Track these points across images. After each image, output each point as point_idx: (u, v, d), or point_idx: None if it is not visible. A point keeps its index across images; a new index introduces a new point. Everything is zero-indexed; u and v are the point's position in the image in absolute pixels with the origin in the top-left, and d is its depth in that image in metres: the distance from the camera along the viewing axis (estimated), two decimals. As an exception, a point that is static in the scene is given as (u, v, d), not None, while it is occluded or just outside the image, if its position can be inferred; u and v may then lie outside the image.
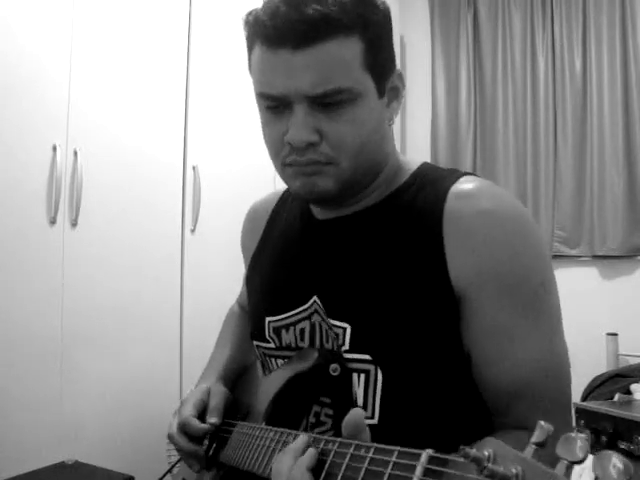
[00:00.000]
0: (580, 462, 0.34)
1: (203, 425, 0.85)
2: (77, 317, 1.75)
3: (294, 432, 0.66)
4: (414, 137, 3.38)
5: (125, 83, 1.90)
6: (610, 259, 2.92)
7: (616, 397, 2.37)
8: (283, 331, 0.84)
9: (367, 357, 0.72)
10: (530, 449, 0.37)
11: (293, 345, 0.82)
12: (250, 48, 0.75)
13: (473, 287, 0.69)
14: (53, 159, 1.69)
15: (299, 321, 0.81)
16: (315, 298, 0.79)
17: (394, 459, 0.47)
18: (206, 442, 0.89)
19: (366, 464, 0.50)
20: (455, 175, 0.76)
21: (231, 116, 2.20)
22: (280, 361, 0.85)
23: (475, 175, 0.77)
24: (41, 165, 1.68)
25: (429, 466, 0.43)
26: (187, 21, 2.09)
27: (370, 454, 0.50)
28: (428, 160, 3.15)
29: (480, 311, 0.69)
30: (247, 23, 0.74)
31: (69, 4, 1.75)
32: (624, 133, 2.87)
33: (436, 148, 3.30)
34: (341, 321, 0.75)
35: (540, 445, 0.37)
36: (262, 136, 0.77)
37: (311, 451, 0.57)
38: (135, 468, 1.66)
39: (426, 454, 0.44)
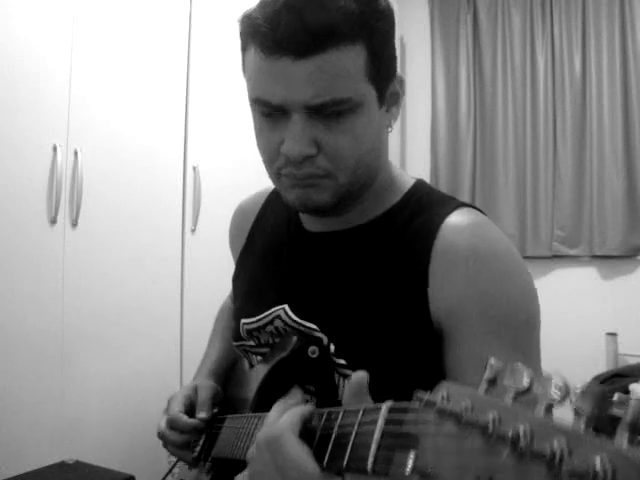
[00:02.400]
0: (527, 391, 0.36)
1: (192, 420, 0.86)
2: (77, 317, 1.75)
3: None
4: (414, 137, 3.39)
5: (125, 83, 1.90)
6: (609, 259, 2.92)
7: (615, 397, 2.37)
8: (255, 333, 0.85)
9: (343, 362, 0.73)
10: (482, 386, 0.39)
11: (271, 342, 0.83)
12: (244, 47, 0.72)
13: (455, 321, 0.68)
14: (53, 159, 1.69)
15: (265, 325, 0.82)
16: (285, 307, 0.79)
17: (359, 418, 0.49)
18: (200, 442, 0.90)
19: (336, 428, 0.52)
20: (451, 205, 0.74)
21: (231, 116, 2.20)
22: (260, 357, 0.86)
23: (471, 207, 0.75)
24: (41, 165, 1.68)
25: (390, 416, 0.45)
26: (187, 22, 2.09)
27: (339, 419, 0.52)
28: (428, 161, 3.16)
29: (461, 345, 0.68)
30: (242, 23, 0.70)
31: (70, 4, 1.75)
32: (623, 133, 2.87)
33: (436, 149, 3.30)
34: (315, 324, 0.75)
35: (491, 382, 0.39)
36: (256, 141, 0.75)
37: (309, 406, 0.57)
38: (135, 468, 1.66)
39: (386, 406, 0.46)
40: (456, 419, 0.35)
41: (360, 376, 0.55)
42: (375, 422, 0.46)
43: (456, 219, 0.71)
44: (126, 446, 1.85)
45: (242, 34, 0.71)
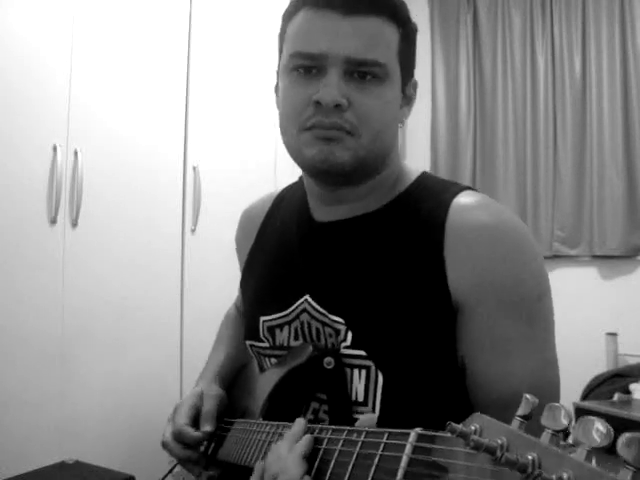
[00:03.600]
0: (564, 430, 0.35)
1: (197, 434, 0.86)
2: (77, 317, 1.75)
3: (291, 424, 0.66)
4: (414, 136, 3.38)
5: (126, 83, 1.90)
6: (610, 259, 2.92)
7: (615, 397, 2.37)
8: (277, 330, 0.84)
9: (363, 353, 0.73)
10: (516, 422, 0.38)
11: (286, 344, 0.83)
12: (287, 21, 0.77)
13: (471, 298, 0.70)
14: (53, 159, 1.69)
15: (292, 320, 0.82)
16: (307, 297, 0.80)
17: (384, 440, 0.48)
18: (205, 443, 0.89)
19: (358, 448, 0.51)
20: (457, 188, 0.77)
21: (231, 116, 2.20)
22: (274, 360, 0.85)
23: (475, 190, 0.78)
24: (41, 165, 1.68)
25: (418, 444, 0.44)
26: (187, 22, 2.09)
27: (362, 438, 0.52)
28: (428, 161, 3.17)
29: (477, 322, 0.70)
30: None
31: (70, 4, 1.75)
32: (623, 133, 2.87)
33: (436, 148, 3.31)
34: (339, 316, 0.76)
35: (525, 418, 0.38)
36: (282, 103, 0.77)
37: (307, 437, 0.58)
38: (135, 468, 1.66)
39: (415, 433, 0.45)
40: (491, 454, 0.34)
41: (369, 418, 0.56)
42: (402, 448, 0.45)
43: (464, 199, 0.74)
44: (126, 446, 1.85)
45: (291, 6, 0.77)
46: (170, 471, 1.03)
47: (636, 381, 2.43)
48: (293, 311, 0.82)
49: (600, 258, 2.94)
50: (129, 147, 1.91)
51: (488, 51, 3.21)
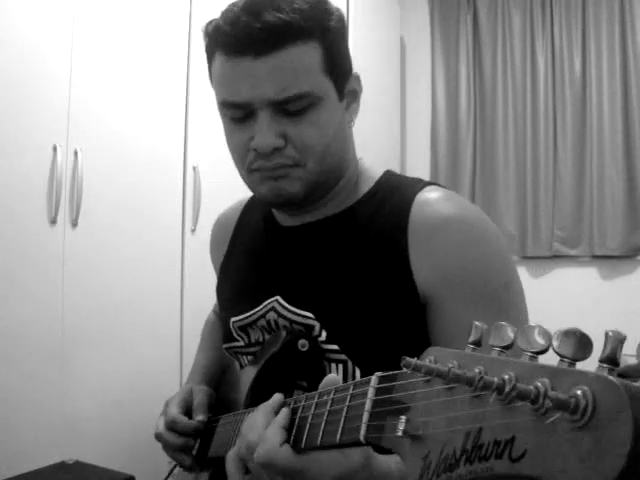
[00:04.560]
0: (509, 347, 0.36)
1: (191, 422, 0.87)
2: (77, 317, 1.75)
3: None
4: (414, 137, 3.38)
5: (126, 83, 1.90)
6: (610, 259, 2.92)
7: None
8: (249, 329, 0.86)
9: (335, 347, 0.74)
10: (468, 348, 0.39)
11: (261, 340, 0.84)
12: (210, 59, 0.77)
13: (438, 291, 0.70)
14: (53, 159, 1.69)
15: (259, 319, 0.83)
16: (277, 298, 0.81)
17: (350, 392, 0.50)
18: (196, 445, 0.90)
19: (328, 407, 0.53)
20: (420, 184, 0.78)
21: (231, 116, 2.21)
22: (251, 357, 0.86)
23: (439, 185, 0.79)
24: (41, 165, 1.68)
25: (380, 385, 0.46)
26: (187, 22, 2.09)
27: (331, 396, 0.53)
28: (428, 160, 3.15)
29: (447, 313, 0.70)
30: (207, 33, 0.76)
31: (70, 4, 1.75)
32: (624, 133, 2.87)
33: (436, 148, 3.30)
34: (309, 312, 0.77)
35: (476, 344, 0.39)
36: (226, 143, 0.79)
37: (285, 410, 0.59)
38: (135, 468, 1.66)
39: (376, 377, 0.48)
40: (444, 378, 0.35)
41: (330, 377, 0.57)
42: (365, 394, 0.47)
43: (426, 194, 0.75)
44: (126, 446, 1.85)
45: (207, 45, 0.77)
46: (171, 472, 1.03)
47: (636, 381, 2.43)
48: (260, 309, 0.83)
49: (600, 258, 2.94)
50: (129, 147, 1.91)
51: (488, 51, 3.20)
